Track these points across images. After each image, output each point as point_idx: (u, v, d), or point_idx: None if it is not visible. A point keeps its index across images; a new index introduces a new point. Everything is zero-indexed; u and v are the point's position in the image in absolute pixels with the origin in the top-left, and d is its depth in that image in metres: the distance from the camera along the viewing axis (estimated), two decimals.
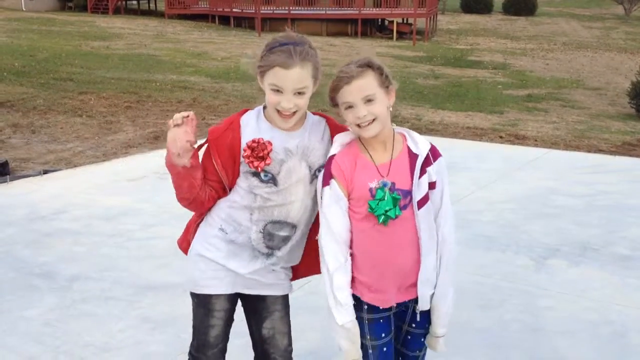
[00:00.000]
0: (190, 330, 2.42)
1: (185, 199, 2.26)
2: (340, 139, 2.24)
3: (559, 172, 6.79)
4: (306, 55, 2.14)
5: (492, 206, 5.70)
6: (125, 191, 6.15)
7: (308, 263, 2.39)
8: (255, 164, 2.18)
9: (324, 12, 31.54)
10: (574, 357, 3.37)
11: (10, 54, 18.60)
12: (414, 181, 2.15)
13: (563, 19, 44.36)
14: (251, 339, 2.48)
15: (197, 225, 2.39)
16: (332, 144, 2.24)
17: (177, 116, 2.16)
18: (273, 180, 2.22)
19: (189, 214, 2.43)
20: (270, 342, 2.40)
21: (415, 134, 2.25)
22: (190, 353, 2.44)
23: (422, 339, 2.35)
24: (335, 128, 2.30)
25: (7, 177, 6.53)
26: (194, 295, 2.38)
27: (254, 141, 2.18)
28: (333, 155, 2.21)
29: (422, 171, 2.16)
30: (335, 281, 2.18)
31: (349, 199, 2.19)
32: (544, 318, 3.76)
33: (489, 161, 7.26)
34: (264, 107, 2.25)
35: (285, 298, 2.41)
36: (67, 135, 9.82)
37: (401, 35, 31.32)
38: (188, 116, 2.16)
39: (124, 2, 37.08)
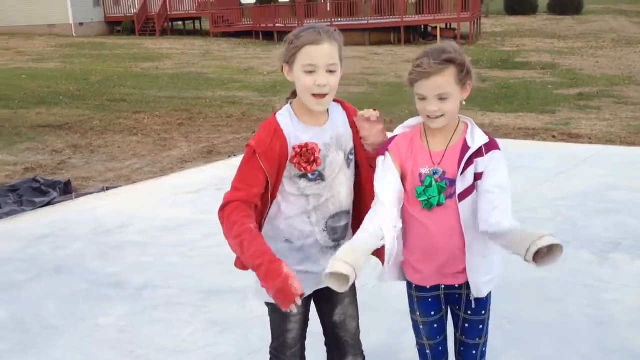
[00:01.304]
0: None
1: None
2: (407, 122, 2.33)
3: (616, 168, 6.70)
4: (333, 34, 2.20)
5: (549, 203, 5.67)
6: (185, 203, 6.32)
7: None
8: (308, 168, 2.23)
9: (365, 21, 31.63)
10: None
11: (64, 78, 19.21)
12: (458, 172, 2.19)
13: (610, 16, 43.51)
14: (322, 326, 2.56)
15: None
16: (351, 126, 2.31)
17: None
18: (321, 177, 2.27)
19: None
20: (342, 327, 2.48)
21: (476, 128, 2.28)
22: (271, 352, 2.53)
23: (481, 326, 2.39)
24: (351, 111, 2.35)
25: (72, 195, 6.78)
26: (269, 304, 2.39)
27: (301, 147, 2.22)
28: (394, 136, 2.30)
29: (469, 162, 2.19)
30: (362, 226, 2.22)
31: (402, 181, 2.26)
32: (610, 310, 3.74)
33: (543, 160, 7.21)
34: (291, 106, 2.30)
35: (353, 284, 2.45)
36: (124, 154, 10.10)
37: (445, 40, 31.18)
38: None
39: (170, 24, 37.85)
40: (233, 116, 13.16)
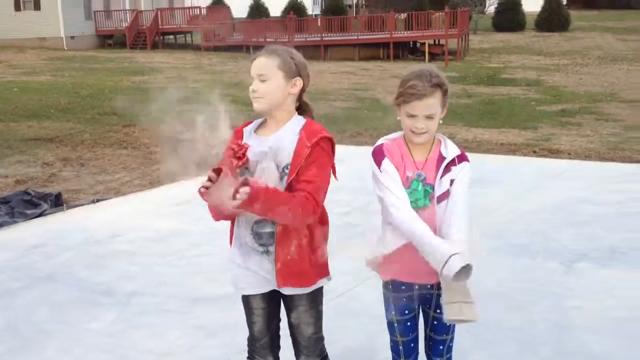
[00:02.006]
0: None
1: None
2: (388, 136, 2.60)
3: (589, 182, 6.97)
4: (275, 50, 2.63)
5: (523, 216, 5.93)
6: (173, 215, 6.53)
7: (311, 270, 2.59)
8: (234, 162, 2.49)
9: (355, 37, 32.00)
10: (600, 351, 3.59)
11: (55, 91, 19.38)
12: (436, 178, 2.47)
13: (597, 33, 44.11)
14: None
15: (232, 231, 2.71)
16: (298, 142, 2.50)
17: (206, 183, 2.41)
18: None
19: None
20: (297, 330, 2.70)
21: (449, 142, 2.58)
22: (247, 344, 2.81)
23: (448, 324, 2.62)
24: (308, 126, 2.56)
25: (63, 206, 6.97)
26: (241, 297, 2.74)
27: (236, 144, 2.53)
28: (382, 144, 2.56)
29: (446, 170, 2.48)
30: (409, 223, 2.44)
31: None
32: (571, 317, 3.98)
33: (521, 174, 7.48)
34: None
35: (309, 295, 2.62)
36: (114, 167, 10.29)
37: (433, 56, 31.57)
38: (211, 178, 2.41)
39: (161, 37, 38.12)
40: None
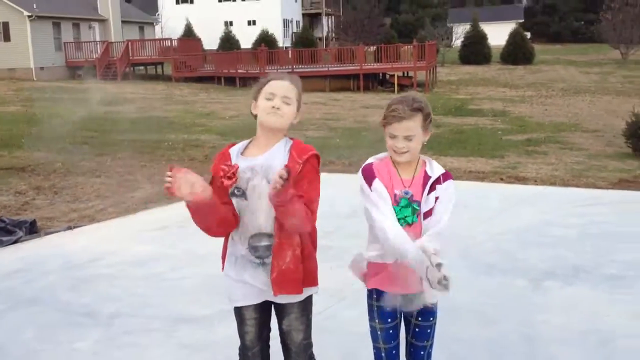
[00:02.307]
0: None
1: (217, 223, 2.72)
2: (377, 155, 2.80)
3: (553, 207, 7.26)
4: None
5: (492, 237, 6.17)
6: (152, 240, 6.64)
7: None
8: (225, 181, 2.68)
9: (326, 69, 32.48)
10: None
11: (25, 122, 19.36)
12: (423, 196, 2.66)
13: (561, 65, 45.32)
14: None
15: (225, 248, 2.87)
16: (289, 160, 2.68)
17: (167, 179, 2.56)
18: (244, 195, 2.73)
19: (211, 255, 2.92)
20: (288, 336, 2.86)
21: (434, 162, 2.80)
22: (238, 353, 2.95)
23: (429, 331, 2.82)
24: (297, 145, 2.77)
25: (40, 233, 7.03)
26: (234, 308, 2.88)
27: (226, 165, 2.71)
28: (371, 163, 2.76)
29: (432, 189, 2.69)
30: (396, 238, 2.61)
31: None
32: (540, 330, 4.19)
33: (489, 199, 7.74)
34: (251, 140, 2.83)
35: (300, 303, 2.82)
36: (88, 195, 10.33)
37: (402, 88, 32.08)
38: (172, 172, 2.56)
39: (132, 68, 38.22)
40: (196, 159, 13.51)
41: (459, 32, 50.19)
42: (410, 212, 2.68)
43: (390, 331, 2.82)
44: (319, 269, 2.87)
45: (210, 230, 2.75)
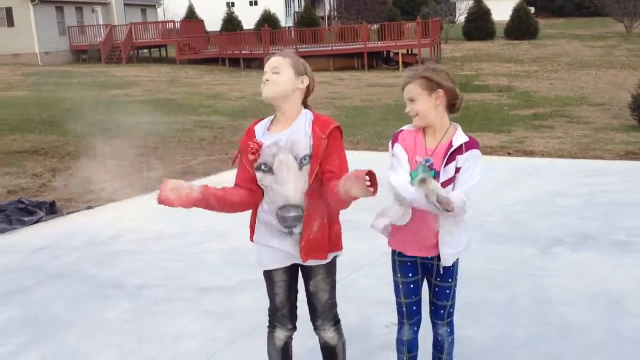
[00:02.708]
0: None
1: (228, 209, 2.96)
2: (411, 124, 2.95)
3: (562, 178, 7.42)
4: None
5: (501, 209, 6.33)
6: (170, 217, 6.78)
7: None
8: (250, 156, 2.88)
9: (330, 48, 32.50)
10: (576, 319, 3.98)
11: (35, 106, 19.51)
12: (442, 165, 2.81)
13: (565, 40, 45.14)
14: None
15: (254, 220, 3.06)
16: (313, 135, 2.84)
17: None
18: (270, 170, 2.89)
19: (233, 231, 3.12)
20: (314, 296, 3.04)
21: (460, 131, 2.92)
22: (268, 314, 3.13)
23: (447, 291, 2.99)
24: (317, 119, 2.91)
25: (63, 212, 7.22)
26: (264, 273, 3.07)
27: (252, 141, 2.89)
28: (401, 130, 2.93)
29: (451, 158, 2.81)
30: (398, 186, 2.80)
31: None
32: (549, 293, 4.38)
33: (497, 172, 7.90)
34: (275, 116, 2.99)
35: (325, 265, 2.99)
36: (103, 176, 10.52)
37: (407, 65, 32.07)
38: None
39: (136, 51, 38.28)
40: (205, 139, 13.68)
41: (462, 8, 49.98)
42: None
43: (411, 286, 3.00)
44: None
45: (228, 212, 2.99)
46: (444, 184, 2.80)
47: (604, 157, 10.92)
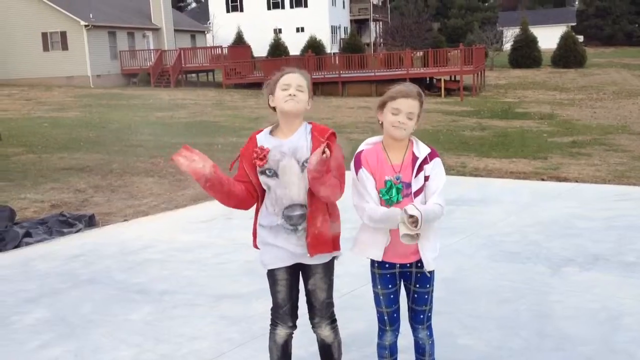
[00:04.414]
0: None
1: (226, 197, 3.18)
2: (369, 140, 3.16)
3: (584, 202, 7.49)
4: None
5: (519, 229, 6.46)
6: (200, 230, 7.15)
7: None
8: (258, 162, 3.15)
9: (372, 74, 32.85)
10: (573, 333, 4.11)
11: (84, 126, 20.26)
12: (412, 176, 3.02)
13: (613, 69, 44.64)
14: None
15: (255, 224, 3.31)
16: (312, 140, 3.10)
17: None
18: (275, 175, 3.16)
19: (251, 244, 3.37)
20: (313, 294, 3.27)
21: (420, 142, 3.14)
22: (271, 312, 3.36)
23: (426, 296, 3.17)
24: (316, 127, 3.20)
25: (99, 222, 7.60)
26: (267, 272, 3.30)
27: (258, 147, 3.17)
28: (361, 151, 3.12)
29: (420, 169, 3.04)
30: (370, 210, 3.02)
31: None
32: (552, 308, 4.50)
33: (520, 195, 8.01)
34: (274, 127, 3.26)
35: (324, 265, 3.23)
36: (142, 193, 10.94)
37: (449, 92, 32.27)
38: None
39: (184, 76, 39.28)
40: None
41: (509, 35, 49.90)
42: (395, 193, 3.02)
43: (391, 296, 3.18)
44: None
45: (224, 201, 3.21)
46: (416, 193, 3.03)
47: (637, 184, 10.89)
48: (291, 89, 3.17)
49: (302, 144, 3.15)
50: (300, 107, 3.17)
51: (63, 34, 37.19)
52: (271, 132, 3.26)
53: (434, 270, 3.17)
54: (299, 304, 3.36)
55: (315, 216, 3.13)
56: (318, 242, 3.14)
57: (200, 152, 3.08)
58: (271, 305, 3.36)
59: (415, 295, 3.19)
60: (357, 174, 3.10)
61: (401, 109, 3.04)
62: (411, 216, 2.86)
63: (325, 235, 3.15)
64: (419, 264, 3.12)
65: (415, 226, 2.86)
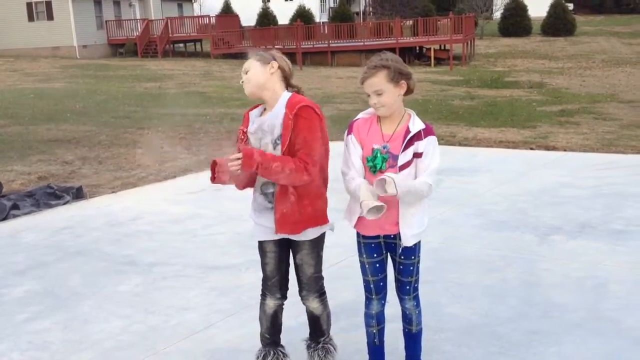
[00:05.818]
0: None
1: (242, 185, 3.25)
2: (369, 110, 3.11)
3: (572, 170, 7.51)
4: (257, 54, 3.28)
5: (507, 198, 6.48)
6: (188, 201, 7.12)
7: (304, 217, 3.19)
8: (240, 144, 3.14)
9: (362, 43, 32.62)
10: (560, 300, 4.14)
11: (70, 97, 20.06)
12: (401, 149, 2.99)
13: (603, 37, 44.52)
14: None
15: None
16: (284, 115, 3.06)
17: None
18: None
19: (242, 216, 3.38)
20: (300, 269, 3.28)
21: (416, 117, 3.08)
22: (261, 283, 3.37)
23: (411, 268, 3.16)
24: (290, 101, 3.11)
25: (87, 194, 7.56)
26: (257, 244, 3.31)
27: (240, 129, 3.20)
28: (357, 119, 3.11)
29: (410, 143, 2.99)
30: (348, 179, 3.05)
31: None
32: (540, 277, 4.53)
33: (510, 164, 8.02)
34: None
35: (311, 240, 3.21)
36: (130, 164, 10.88)
37: (439, 61, 32.14)
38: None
39: (171, 46, 38.86)
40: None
41: (499, 4, 49.59)
42: (379, 161, 2.99)
43: (377, 265, 3.18)
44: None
45: (238, 187, 3.27)
46: (402, 167, 2.99)
47: (626, 152, 10.93)
48: (243, 76, 3.22)
49: (279, 121, 3.11)
50: (250, 86, 3.15)
51: (48, 4, 36.63)
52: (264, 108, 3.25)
53: (419, 242, 3.16)
54: (290, 276, 3.36)
55: (284, 195, 3.12)
56: (286, 221, 3.13)
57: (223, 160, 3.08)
58: (261, 275, 3.36)
59: (401, 267, 3.18)
60: (346, 138, 3.09)
61: (368, 91, 3.01)
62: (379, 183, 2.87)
63: (291, 216, 3.12)
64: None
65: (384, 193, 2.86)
